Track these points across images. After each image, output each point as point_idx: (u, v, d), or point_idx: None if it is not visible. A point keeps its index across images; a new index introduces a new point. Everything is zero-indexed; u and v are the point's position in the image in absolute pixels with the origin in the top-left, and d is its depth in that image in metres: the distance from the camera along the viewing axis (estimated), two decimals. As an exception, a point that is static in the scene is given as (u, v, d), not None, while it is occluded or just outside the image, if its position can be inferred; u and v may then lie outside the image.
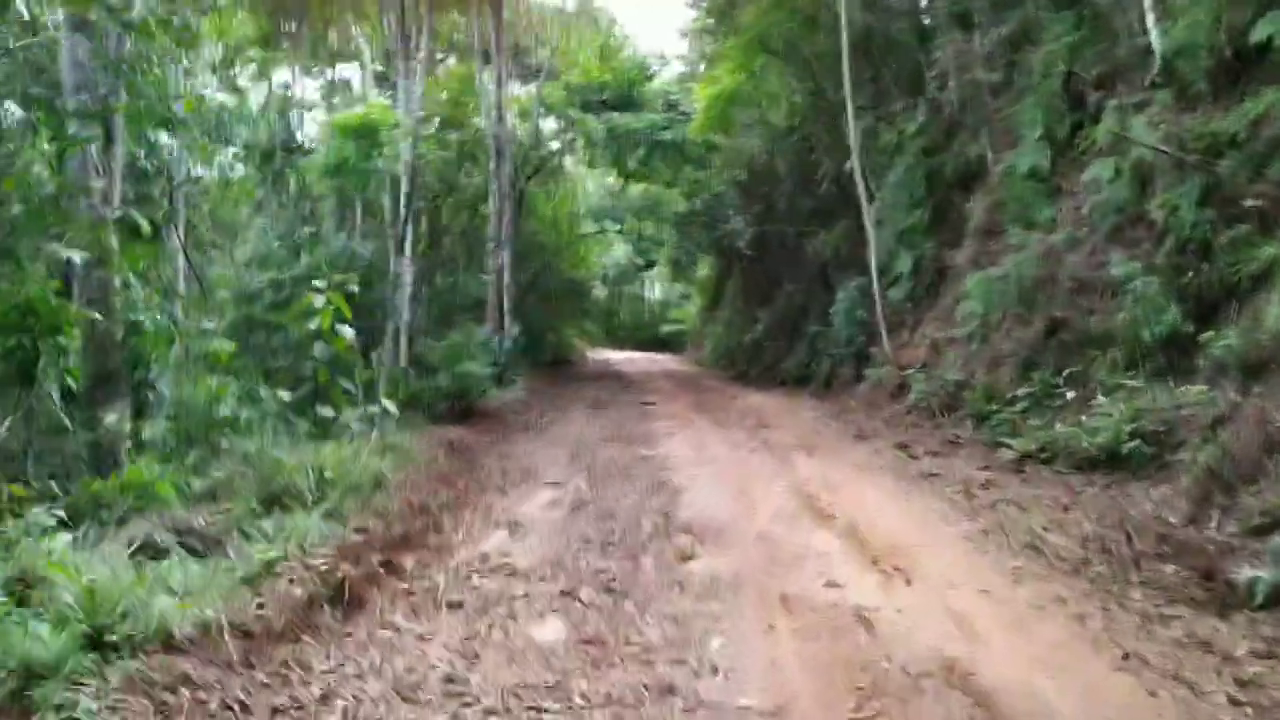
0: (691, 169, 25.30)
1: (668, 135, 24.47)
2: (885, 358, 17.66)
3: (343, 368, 11.50)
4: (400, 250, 17.91)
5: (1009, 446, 11.40)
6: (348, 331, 10.20)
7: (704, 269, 41.34)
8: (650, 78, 26.37)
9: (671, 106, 25.82)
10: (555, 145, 26.88)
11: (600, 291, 51.67)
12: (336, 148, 20.28)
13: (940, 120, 18.87)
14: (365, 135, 19.65)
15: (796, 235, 23.51)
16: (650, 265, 51.61)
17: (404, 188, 18.00)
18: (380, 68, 24.67)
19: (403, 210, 17.84)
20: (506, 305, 21.25)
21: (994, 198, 16.42)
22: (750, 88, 25.13)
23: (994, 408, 12.73)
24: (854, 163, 17.71)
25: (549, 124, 25.84)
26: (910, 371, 15.92)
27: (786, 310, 26.06)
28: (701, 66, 27.54)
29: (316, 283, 10.95)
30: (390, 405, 11.41)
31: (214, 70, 26.24)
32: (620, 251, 50.56)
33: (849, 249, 21.30)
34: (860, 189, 17.70)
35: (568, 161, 28.03)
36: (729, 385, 24.04)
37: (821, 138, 22.51)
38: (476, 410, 15.11)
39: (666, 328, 47.84)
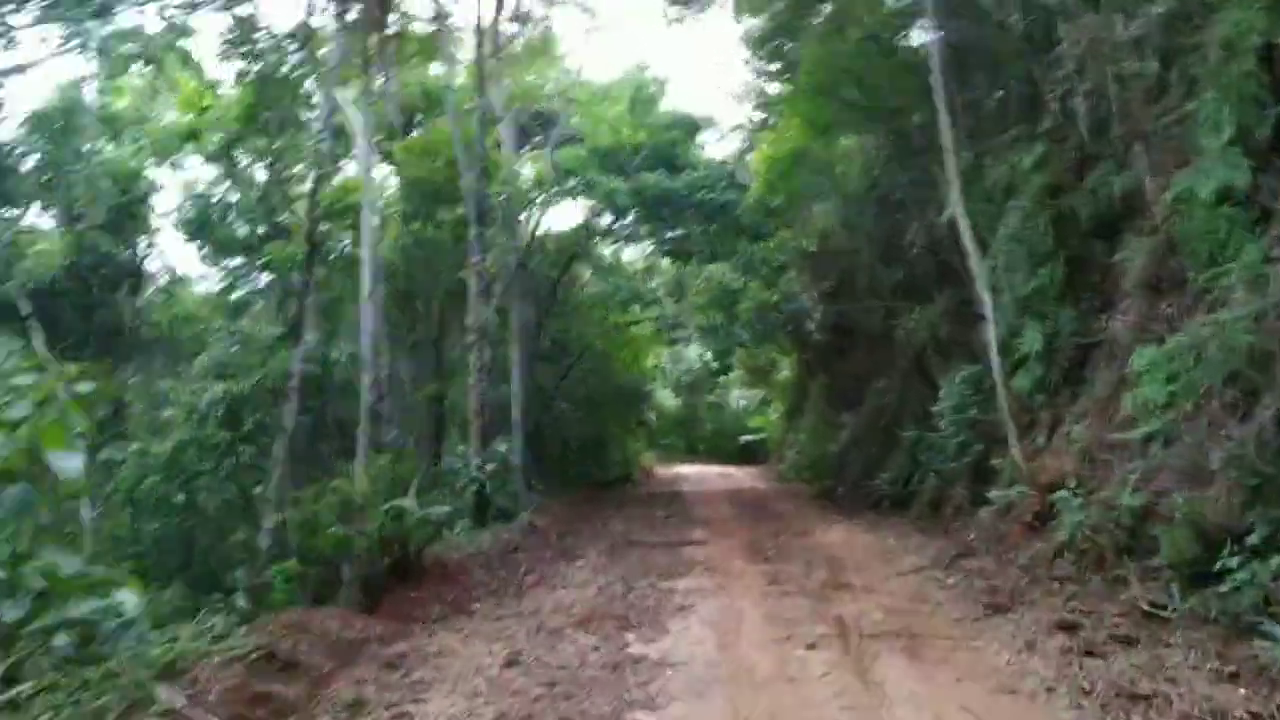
0: (745, 242, 20.72)
1: (712, 196, 19.96)
2: (1015, 472, 12.64)
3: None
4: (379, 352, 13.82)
5: (1272, 636, 6.40)
6: (66, 462, 5.70)
7: (785, 370, 36.68)
8: (696, 132, 21.89)
9: (726, 180, 21.39)
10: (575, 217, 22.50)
11: (673, 400, 47.26)
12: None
13: (1067, 147, 14.11)
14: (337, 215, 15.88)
15: (883, 317, 18.70)
16: (727, 370, 47.08)
17: (366, 272, 13.98)
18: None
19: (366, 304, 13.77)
20: (516, 415, 16.87)
21: (1160, 238, 11.53)
22: (819, 146, 20.79)
23: (1217, 555, 7.69)
24: (955, 210, 13.02)
25: (566, 200, 21.57)
26: (1059, 494, 10.85)
27: (876, 412, 21.01)
28: (760, 120, 23.39)
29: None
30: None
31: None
32: (692, 354, 46.22)
33: (951, 329, 16.44)
34: (968, 243, 12.94)
35: (603, 247, 23.69)
36: (806, 508, 19.01)
37: (908, 192, 17.89)
38: (424, 567, 10.54)
39: (747, 437, 42.90)
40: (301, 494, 10.94)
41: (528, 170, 19.84)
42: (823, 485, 23.20)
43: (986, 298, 12.72)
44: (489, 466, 14.05)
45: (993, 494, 13.24)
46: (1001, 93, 15.58)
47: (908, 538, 13.41)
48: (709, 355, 46.94)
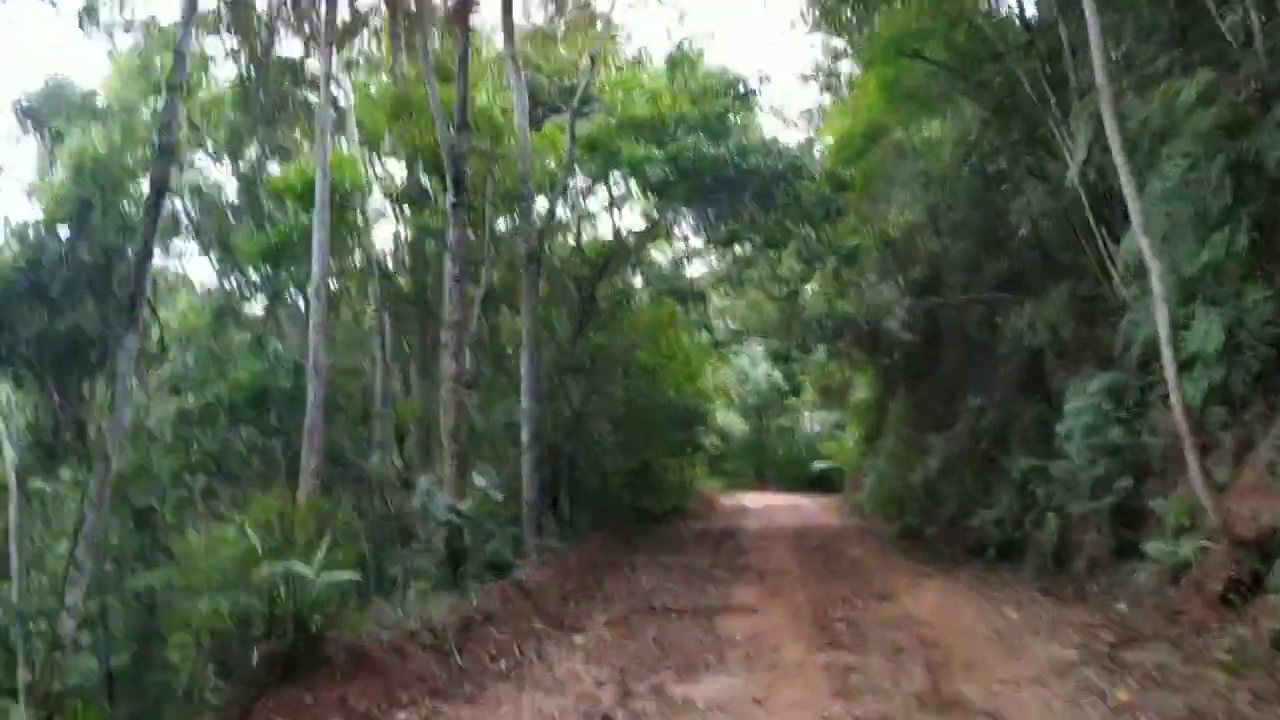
0: (808, 227, 16.95)
1: (768, 164, 16.13)
2: (1189, 516, 8.98)
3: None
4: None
5: None
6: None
7: (860, 390, 33.02)
8: (748, 97, 18.10)
9: (790, 160, 17.67)
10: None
11: (740, 424, 43.62)
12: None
13: (1242, 75, 10.46)
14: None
15: (986, 315, 15.09)
16: (797, 391, 43.43)
17: (314, 257, 10.94)
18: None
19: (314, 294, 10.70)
20: (525, 437, 13.60)
21: None
22: (900, 118, 17.29)
23: None
24: (1114, 146, 9.42)
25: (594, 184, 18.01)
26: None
27: (972, 434, 17.29)
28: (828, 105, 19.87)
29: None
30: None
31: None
32: (759, 373, 42.61)
33: (1079, 324, 12.77)
34: (1131, 193, 9.33)
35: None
36: (888, 555, 15.40)
37: (1017, 156, 14.30)
38: (328, 658, 7.29)
39: (819, 464, 39.15)
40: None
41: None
42: (906, 523, 19.48)
43: (1155, 271, 9.04)
44: (464, 505, 10.75)
45: (1150, 547, 9.55)
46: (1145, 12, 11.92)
47: (1032, 607, 9.73)
48: (776, 373, 43.46)
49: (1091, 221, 12.77)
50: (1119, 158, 9.25)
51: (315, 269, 11.69)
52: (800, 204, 16.27)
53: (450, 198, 12.18)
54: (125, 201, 18.34)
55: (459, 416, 11.60)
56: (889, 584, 11.75)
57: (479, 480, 11.16)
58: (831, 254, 16.44)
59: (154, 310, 17.92)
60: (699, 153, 15.58)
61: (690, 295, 19.83)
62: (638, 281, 20.48)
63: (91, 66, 42.17)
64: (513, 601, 9.89)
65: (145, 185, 18.26)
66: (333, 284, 18.21)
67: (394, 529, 10.70)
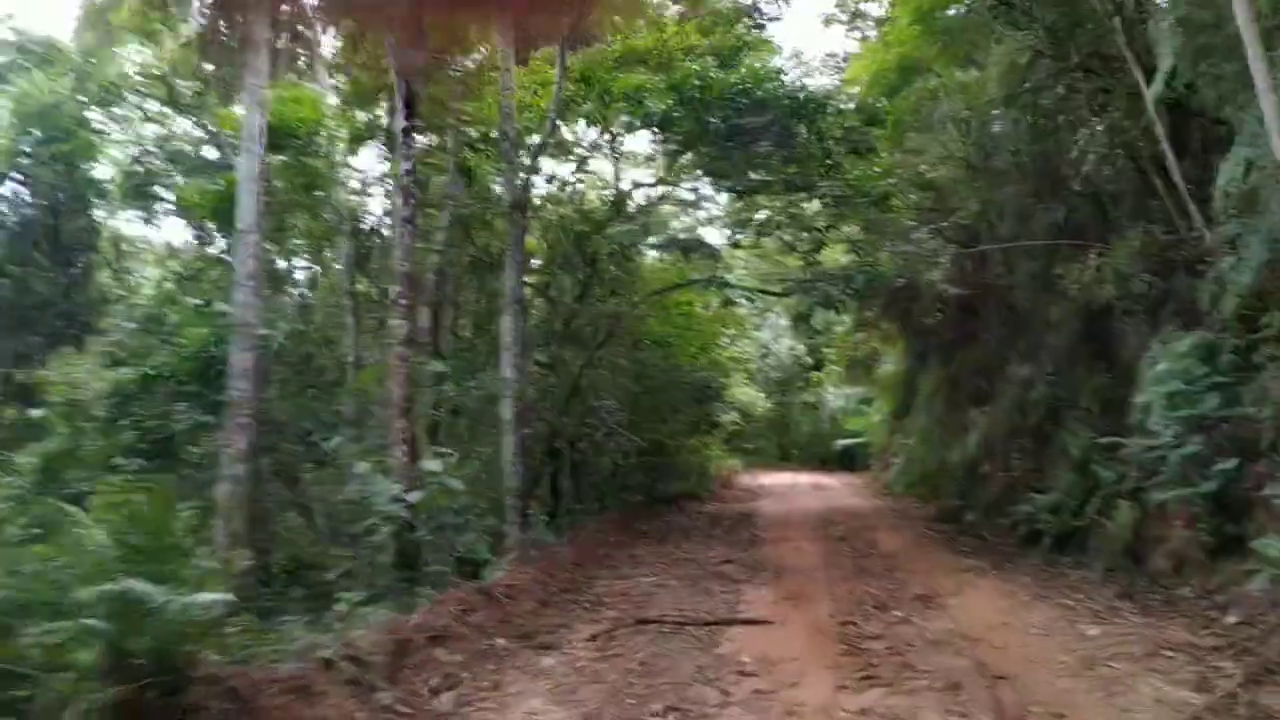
0: (830, 169, 14.75)
1: (786, 95, 13.93)
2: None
3: None
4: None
5: None
6: None
7: (889, 363, 31.12)
8: (764, 26, 15.89)
9: (813, 101, 15.45)
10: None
11: (763, 401, 41.67)
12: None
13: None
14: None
15: (1039, 271, 13.13)
16: (820, 365, 41.49)
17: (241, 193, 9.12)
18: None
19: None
20: (506, 414, 11.74)
21: None
22: (939, 51, 15.30)
23: None
24: (1242, 17, 7.36)
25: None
26: None
27: (1018, 407, 15.36)
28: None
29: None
30: None
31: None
32: (782, 347, 40.66)
33: (1155, 275, 10.79)
34: (1265, 84, 7.32)
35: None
36: (926, 544, 13.49)
37: (1075, 85, 12.28)
38: (195, 704, 5.55)
39: (845, 442, 37.29)
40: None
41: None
42: (943, 506, 17.60)
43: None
44: (413, 496, 8.87)
45: (1262, 545, 7.64)
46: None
47: (1114, 620, 7.84)
48: (799, 347, 41.40)
49: (1169, 154, 10.76)
50: (1249, 31, 7.17)
51: (243, 208, 9.87)
52: (824, 141, 14.12)
53: (401, 120, 10.24)
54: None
55: (409, 387, 9.74)
56: (931, 584, 9.86)
57: (431, 464, 9.30)
58: (861, 198, 14.35)
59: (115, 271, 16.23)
60: (706, 78, 13.43)
61: (698, 247, 17.75)
62: (648, 241, 18.49)
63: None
64: (475, 612, 8.06)
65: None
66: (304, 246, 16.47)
67: (338, 525, 8.92)
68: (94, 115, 17.92)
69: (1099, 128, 12.18)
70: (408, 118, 10.13)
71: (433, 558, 8.92)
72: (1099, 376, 12.51)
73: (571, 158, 16.34)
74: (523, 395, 11.89)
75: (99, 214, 17.85)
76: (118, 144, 18.10)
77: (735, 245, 17.52)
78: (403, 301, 9.78)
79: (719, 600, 9.37)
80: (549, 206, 15.96)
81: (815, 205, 14.62)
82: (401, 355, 9.65)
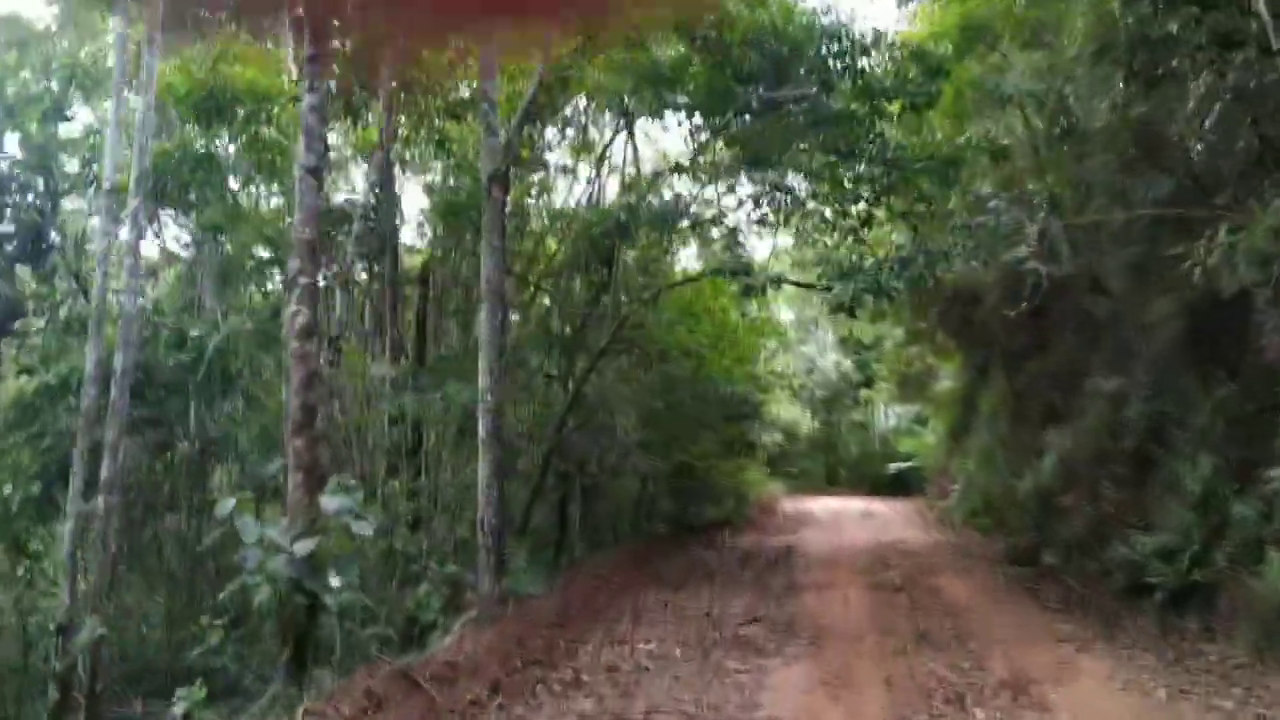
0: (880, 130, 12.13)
1: (820, 38, 11.31)
2: None
3: None
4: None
5: None
6: None
7: (945, 380, 28.53)
8: None
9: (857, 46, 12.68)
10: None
11: (809, 420, 39.15)
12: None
13: None
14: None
15: (1139, 257, 10.67)
16: (869, 382, 38.91)
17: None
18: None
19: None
20: (482, 431, 9.50)
21: None
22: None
23: None
24: None
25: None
26: None
27: (1108, 428, 12.79)
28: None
29: None
30: None
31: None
32: (828, 362, 38.16)
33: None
34: None
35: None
36: (998, 596, 11.02)
37: (1185, 33, 9.84)
38: None
39: (897, 465, 34.70)
40: None
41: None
42: (1015, 544, 15.07)
43: None
44: (303, 545, 6.53)
45: None
46: None
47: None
48: (847, 362, 38.73)
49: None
50: None
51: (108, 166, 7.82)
52: (873, 96, 11.56)
53: (308, 48, 7.97)
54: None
55: (310, 395, 7.43)
56: (1020, 661, 7.41)
57: (330, 501, 6.95)
58: (919, 163, 11.83)
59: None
60: (724, 11, 10.96)
61: (716, 223, 15.37)
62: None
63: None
64: (381, 712, 5.82)
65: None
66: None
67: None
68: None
69: (1218, 81, 9.76)
70: (314, 43, 7.97)
71: (337, 629, 6.67)
72: (1220, 388, 10.00)
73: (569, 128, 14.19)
74: (498, 408, 9.62)
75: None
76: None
77: (760, 222, 15.12)
78: (302, 279, 7.53)
79: (731, 687, 6.96)
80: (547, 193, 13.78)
81: (862, 169, 12.17)
82: (299, 353, 7.43)
